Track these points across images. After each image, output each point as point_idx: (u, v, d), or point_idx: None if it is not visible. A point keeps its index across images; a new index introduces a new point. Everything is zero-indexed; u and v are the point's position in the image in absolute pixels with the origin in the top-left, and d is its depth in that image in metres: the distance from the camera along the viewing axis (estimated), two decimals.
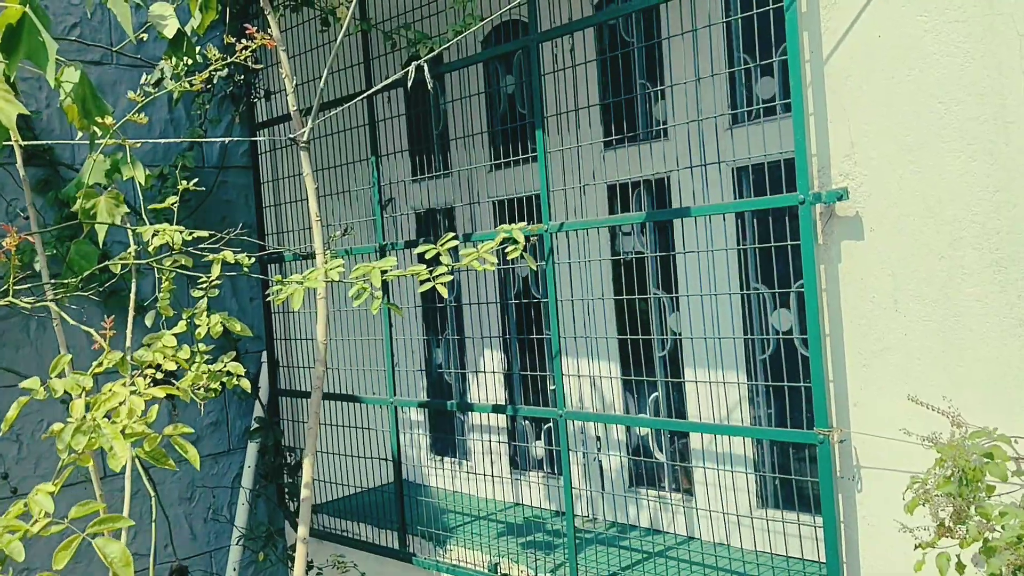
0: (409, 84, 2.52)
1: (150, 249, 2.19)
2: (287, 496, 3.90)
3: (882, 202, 2.18)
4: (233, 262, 2.29)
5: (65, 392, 1.57)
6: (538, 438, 3.66)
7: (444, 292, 1.80)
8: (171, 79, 2.99)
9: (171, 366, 1.71)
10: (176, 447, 1.56)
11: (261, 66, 3.19)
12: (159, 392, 1.58)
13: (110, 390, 1.51)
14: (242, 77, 3.73)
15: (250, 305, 4.03)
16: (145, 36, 3.47)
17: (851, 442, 2.28)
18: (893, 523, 2.13)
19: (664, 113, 3.07)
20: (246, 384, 2.36)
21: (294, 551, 3.82)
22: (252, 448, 3.86)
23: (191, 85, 2.43)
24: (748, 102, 2.86)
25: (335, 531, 3.76)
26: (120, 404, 1.45)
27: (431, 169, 3.81)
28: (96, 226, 2.25)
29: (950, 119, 2.06)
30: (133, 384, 1.56)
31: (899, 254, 2.16)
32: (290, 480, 3.88)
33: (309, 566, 3.70)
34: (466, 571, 3.20)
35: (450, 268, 1.82)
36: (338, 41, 2.62)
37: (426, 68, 2.43)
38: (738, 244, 2.76)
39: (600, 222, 2.78)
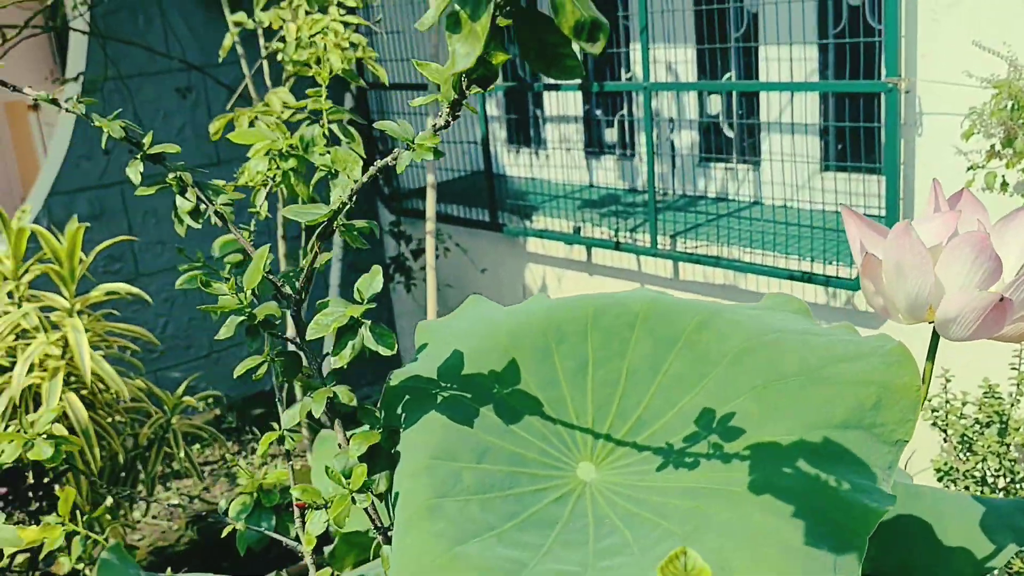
0: None
1: None
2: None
3: None
4: None
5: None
6: (610, 126, 3.96)
7: None
8: None
9: (354, 2, 1.97)
10: (370, 67, 1.87)
11: None
12: (354, 19, 1.86)
13: (309, 20, 1.80)
14: None
15: None
16: None
17: (915, 92, 2.56)
18: (949, 161, 2.46)
19: None
20: None
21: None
22: None
23: None
24: None
25: None
26: (324, 29, 1.74)
27: None
28: None
29: None
30: (326, 14, 1.84)
31: None
32: None
33: (409, 239, 4.16)
34: (552, 233, 3.62)
35: None
36: None
37: None
38: None
39: None
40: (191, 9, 3.78)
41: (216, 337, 0.97)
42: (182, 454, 2.36)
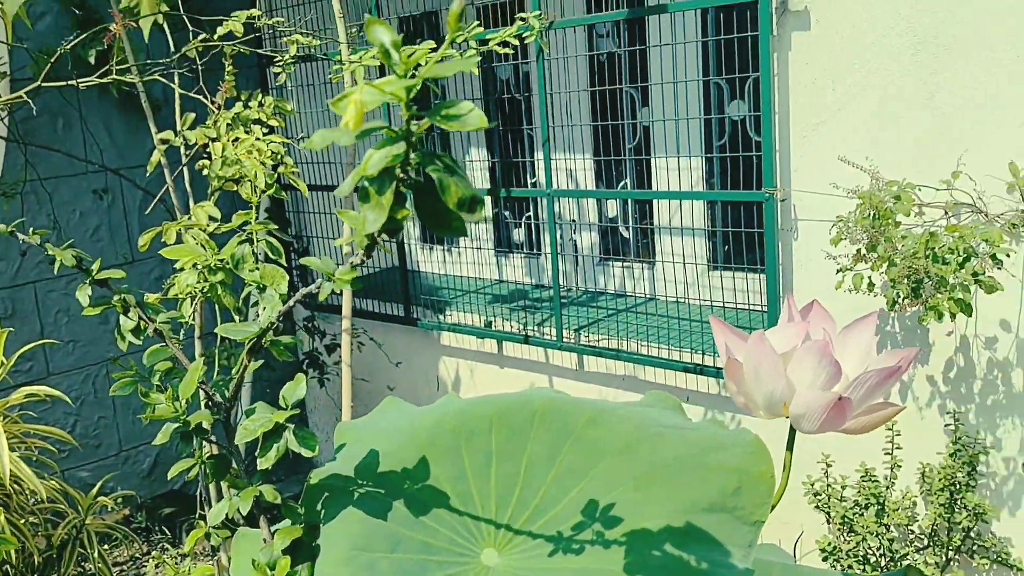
0: None
1: None
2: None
3: None
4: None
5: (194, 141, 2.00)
6: (518, 227, 4.16)
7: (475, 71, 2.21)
8: None
9: (275, 123, 2.13)
10: (290, 180, 2.01)
11: None
12: (277, 138, 2.01)
13: (233, 138, 1.95)
14: None
15: None
16: None
17: (791, 200, 2.82)
18: (822, 263, 2.71)
19: None
20: None
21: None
22: None
23: None
24: None
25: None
26: (251, 148, 1.88)
27: None
28: None
29: None
30: (250, 132, 1.98)
31: (838, 42, 2.63)
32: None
33: (323, 334, 4.25)
34: (464, 328, 3.77)
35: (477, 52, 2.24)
36: None
37: None
38: (702, 36, 3.19)
39: (583, 20, 3.18)
40: (110, 114, 3.88)
41: (153, 443, 1.08)
42: (96, 555, 2.38)
